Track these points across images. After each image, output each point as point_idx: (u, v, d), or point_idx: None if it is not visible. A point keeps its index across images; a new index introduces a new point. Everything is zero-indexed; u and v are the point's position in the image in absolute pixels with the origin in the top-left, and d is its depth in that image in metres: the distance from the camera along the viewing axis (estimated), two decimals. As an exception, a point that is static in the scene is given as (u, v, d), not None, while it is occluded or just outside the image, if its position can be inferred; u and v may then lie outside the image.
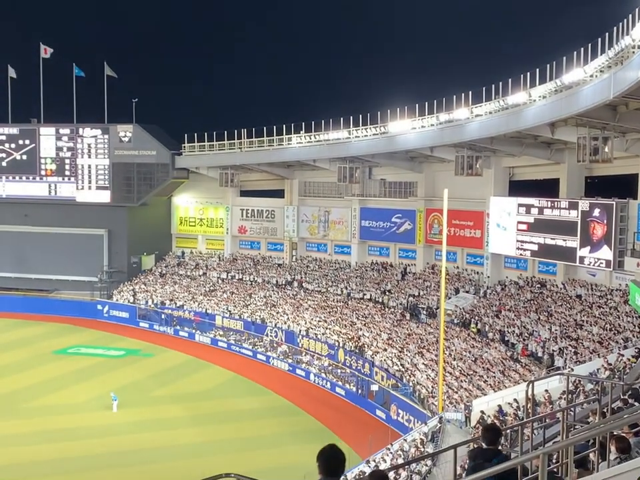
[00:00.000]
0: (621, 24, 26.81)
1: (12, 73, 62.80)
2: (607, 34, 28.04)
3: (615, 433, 7.67)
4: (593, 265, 37.64)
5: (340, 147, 52.19)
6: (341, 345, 47.18)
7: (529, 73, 35.59)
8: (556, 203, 39.75)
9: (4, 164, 64.98)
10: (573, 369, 29.75)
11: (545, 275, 44.10)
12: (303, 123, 54.52)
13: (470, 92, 41.11)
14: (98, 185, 63.80)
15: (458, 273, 49.91)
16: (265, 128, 57.22)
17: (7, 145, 64.83)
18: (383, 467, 26.28)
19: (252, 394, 43.63)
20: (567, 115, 32.08)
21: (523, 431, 10.66)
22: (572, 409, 13.28)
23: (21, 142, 64.59)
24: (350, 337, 47.22)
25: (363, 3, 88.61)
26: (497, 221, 44.48)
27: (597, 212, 36.74)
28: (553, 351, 35.22)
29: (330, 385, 44.43)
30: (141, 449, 34.63)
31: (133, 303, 61.00)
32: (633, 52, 25.08)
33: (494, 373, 35.86)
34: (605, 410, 11.18)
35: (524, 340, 38.03)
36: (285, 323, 52.53)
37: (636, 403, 13.57)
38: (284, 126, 55.66)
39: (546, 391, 26.38)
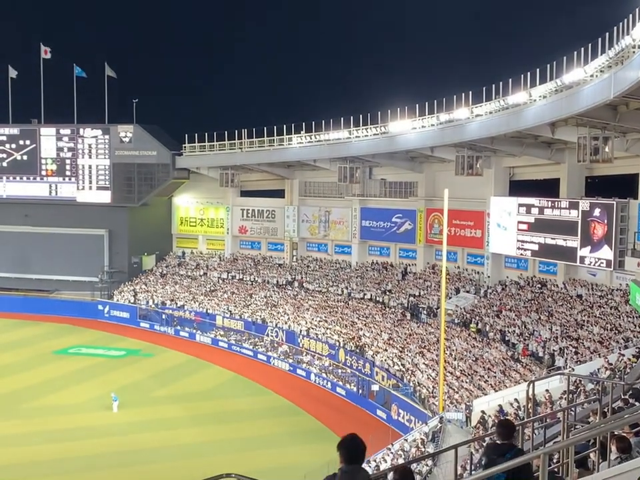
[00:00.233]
0: (621, 24, 26.81)
1: (12, 73, 62.81)
2: (607, 34, 28.04)
3: (615, 433, 7.67)
4: (594, 265, 37.64)
5: (340, 147, 52.19)
6: (341, 345, 47.18)
7: (529, 73, 35.62)
8: (556, 202, 39.75)
9: (4, 164, 65.00)
10: (573, 369, 29.76)
11: (545, 275, 44.09)
12: (303, 123, 54.63)
13: (470, 92, 41.18)
14: (98, 185, 63.81)
15: (458, 273, 49.90)
16: (265, 128, 57.32)
17: (7, 146, 64.83)
18: (383, 467, 26.30)
19: (252, 394, 43.62)
20: (567, 114, 32.07)
21: (524, 431, 10.65)
22: (572, 408, 13.28)
23: (21, 142, 64.60)
24: (350, 337, 47.22)
25: (363, 3, 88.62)
26: (498, 221, 44.47)
27: (597, 212, 36.74)
28: (554, 350, 35.22)
29: (330, 385, 44.43)
30: (142, 449, 34.63)
31: (134, 303, 61.01)
32: (633, 52, 25.07)
33: (495, 372, 35.86)
34: (605, 410, 11.17)
35: (524, 340, 38.02)
36: (286, 323, 52.53)
37: (636, 403, 13.57)
38: (284, 126, 55.74)
39: (547, 390, 26.37)
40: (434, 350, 40.61)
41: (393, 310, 49.09)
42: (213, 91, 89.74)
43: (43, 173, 64.62)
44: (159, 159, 62.42)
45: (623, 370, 25.50)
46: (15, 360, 49.09)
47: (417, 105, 45.43)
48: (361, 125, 49.99)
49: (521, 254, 43.11)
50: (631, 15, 25.80)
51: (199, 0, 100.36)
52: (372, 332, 46.89)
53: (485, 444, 8.01)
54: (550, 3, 74.84)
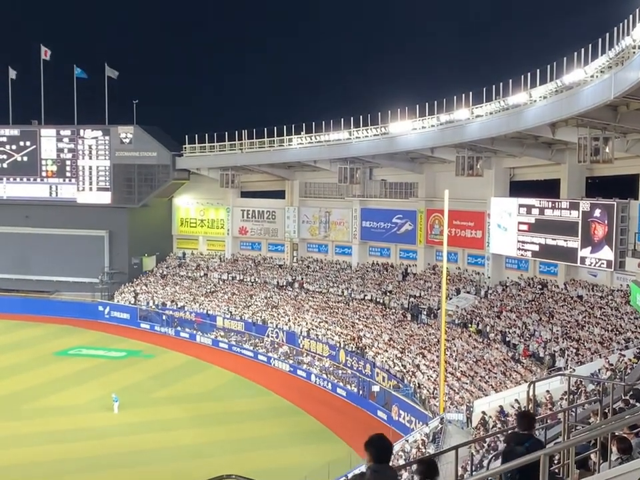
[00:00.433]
0: (621, 24, 26.82)
1: (12, 74, 62.84)
2: (607, 34, 28.05)
3: (616, 434, 7.66)
4: (594, 266, 37.62)
5: (340, 148, 52.18)
6: (342, 345, 47.17)
7: (529, 74, 35.63)
8: (557, 203, 39.73)
9: (5, 165, 65.00)
10: (574, 370, 29.73)
11: (546, 276, 44.07)
12: (304, 124, 54.61)
13: (470, 92, 41.19)
14: (99, 186, 63.82)
15: (459, 274, 49.88)
16: (265, 129, 57.32)
17: (7, 147, 64.83)
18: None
19: (253, 395, 43.62)
20: (567, 115, 32.07)
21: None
22: (573, 409, 13.26)
23: (21, 143, 64.60)
24: (351, 338, 47.21)
25: (363, 3, 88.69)
26: (498, 222, 44.46)
27: (597, 212, 36.73)
28: (554, 351, 35.20)
29: (331, 386, 44.42)
30: (142, 450, 34.63)
31: (134, 304, 61.01)
32: (634, 52, 25.07)
33: (495, 373, 35.85)
34: (606, 410, 11.16)
35: (525, 340, 38.01)
36: (286, 323, 52.52)
37: (637, 404, 13.57)
38: (284, 127, 55.75)
39: (547, 391, 26.37)
40: (434, 351, 40.61)
41: (394, 311, 49.08)
42: (213, 92, 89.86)
43: (43, 174, 64.62)
44: (159, 159, 62.43)
45: (624, 371, 25.49)
46: (15, 361, 49.09)
47: (417, 106, 45.46)
48: (361, 125, 50.00)
49: (522, 254, 43.10)
50: (631, 16, 25.81)
51: (200, 1, 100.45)
52: (372, 333, 46.88)
53: (502, 437, 8.19)
54: (550, 4, 74.88)
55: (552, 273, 43.59)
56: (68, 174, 64.27)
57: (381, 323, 47.90)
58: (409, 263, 54.35)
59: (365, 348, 45.63)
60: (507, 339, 39.06)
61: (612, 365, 27.58)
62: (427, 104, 44.60)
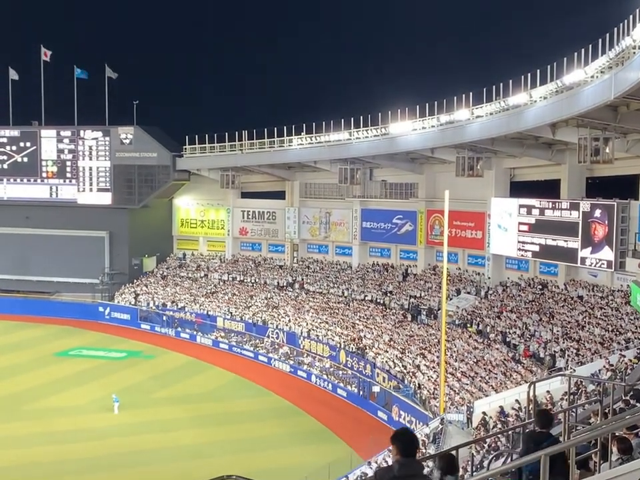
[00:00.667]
0: (621, 24, 26.82)
1: (13, 75, 62.86)
2: (607, 35, 28.04)
3: (616, 434, 7.66)
4: (594, 266, 37.61)
5: (341, 149, 52.19)
6: (342, 346, 47.17)
7: (529, 74, 35.61)
8: (557, 203, 39.73)
9: (5, 166, 65.02)
10: (574, 370, 29.71)
11: (546, 276, 44.05)
12: (304, 125, 54.61)
13: (471, 93, 41.19)
14: (99, 187, 63.84)
15: (459, 274, 49.87)
16: (265, 129, 57.31)
17: (8, 147, 64.85)
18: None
19: (253, 395, 43.61)
20: (567, 115, 32.06)
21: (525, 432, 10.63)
22: (573, 409, 13.25)
23: (22, 144, 64.62)
24: (351, 339, 47.20)
25: (363, 3, 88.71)
26: (498, 222, 44.46)
27: (598, 213, 36.72)
28: (555, 351, 35.19)
29: (331, 387, 44.42)
30: (142, 451, 34.62)
31: (135, 304, 61.01)
32: (634, 52, 25.07)
33: (496, 374, 35.83)
34: (606, 411, 11.16)
35: (525, 341, 38.00)
36: (287, 324, 52.52)
37: (637, 404, 13.57)
38: (285, 127, 55.76)
39: (547, 392, 26.36)
40: (435, 351, 40.61)
41: (394, 311, 49.07)
42: (213, 92, 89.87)
43: (44, 174, 64.64)
44: (160, 160, 62.44)
45: (624, 371, 25.48)
46: (15, 362, 49.09)
47: (418, 106, 45.45)
48: (361, 126, 50.00)
49: (522, 255, 43.10)
50: (631, 16, 25.80)
51: (200, 2, 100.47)
52: (373, 333, 46.87)
53: (521, 433, 8.23)
54: (550, 4, 74.90)
55: (552, 273, 43.58)
56: (68, 175, 64.29)
57: (382, 323, 47.89)
58: (409, 264, 54.34)
59: (366, 348, 45.62)
60: (508, 340, 39.06)
61: (612, 365, 27.56)
62: (427, 104, 44.61)
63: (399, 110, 46.60)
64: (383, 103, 50.49)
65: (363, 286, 53.80)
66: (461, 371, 37.68)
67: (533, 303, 41.75)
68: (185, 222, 67.42)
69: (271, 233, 62.90)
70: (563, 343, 35.44)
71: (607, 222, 36.07)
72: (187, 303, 59.37)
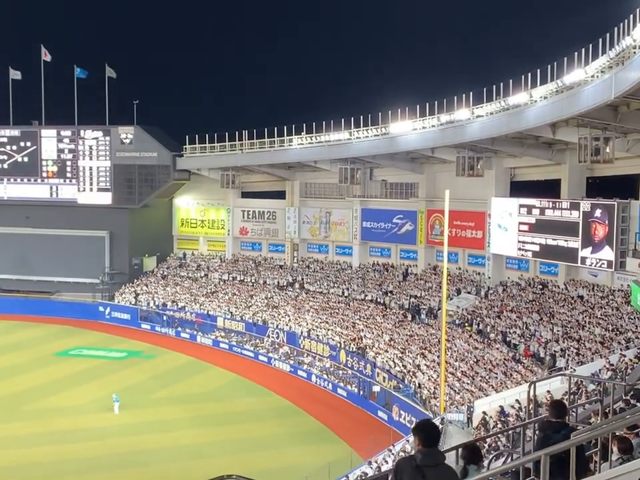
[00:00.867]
0: (621, 24, 26.81)
1: (13, 74, 62.84)
2: (607, 34, 28.04)
3: (616, 434, 7.65)
4: (595, 266, 37.59)
5: (341, 148, 52.18)
6: (342, 346, 47.16)
7: (529, 74, 35.61)
8: (557, 203, 39.71)
9: (5, 166, 65.02)
10: (574, 370, 29.71)
11: (546, 276, 44.05)
12: (304, 124, 54.62)
13: (471, 93, 41.19)
14: (99, 186, 63.84)
15: (459, 274, 49.87)
16: (265, 129, 57.31)
17: (8, 147, 64.85)
18: (385, 468, 26.25)
19: (253, 395, 43.61)
20: (568, 115, 32.05)
21: (525, 432, 10.63)
22: (574, 409, 13.24)
23: (22, 144, 64.62)
24: (351, 338, 47.19)
25: (363, 3, 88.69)
26: (498, 222, 44.44)
27: (598, 212, 36.70)
28: (555, 351, 35.18)
29: (331, 386, 44.41)
30: (143, 451, 34.61)
31: (135, 304, 61.01)
32: (634, 52, 25.07)
33: (496, 373, 35.83)
34: (606, 411, 11.14)
35: (526, 341, 37.99)
36: (287, 324, 52.51)
37: (638, 404, 13.55)
38: (285, 127, 55.75)
39: (548, 391, 26.31)
40: (435, 351, 40.60)
41: (394, 311, 49.06)
42: (213, 92, 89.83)
43: (44, 174, 64.64)
44: (160, 160, 62.43)
45: (624, 371, 25.44)
46: (15, 362, 49.08)
47: (418, 106, 45.45)
48: (361, 125, 50.01)
49: (522, 255, 43.08)
50: (631, 16, 25.80)
51: (200, 2, 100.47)
52: (373, 333, 46.87)
53: (538, 424, 8.26)
54: (550, 4, 74.87)
55: (552, 273, 43.57)
56: (68, 174, 64.29)
57: (382, 323, 47.88)
58: (410, 263, 54.33)
59: (366, 348, 45.61)
60: (508, 339, 39.06)
61: (612, 365, 27.56)
62: (427, 104, 44.62)
63: (399, 110, 46.64)
64: (383, 102, 50.53)
65: (363, 286, 53.79)
66: (461, 371, 37.68)
67: (533, 303, 41.75)
68: (185, 222, 67.43)
69: (271, 233, 62.90)
70: (563, 342, 35.43)
71: (607, 222, 36.05)
72: (187, 303, 59.37)
